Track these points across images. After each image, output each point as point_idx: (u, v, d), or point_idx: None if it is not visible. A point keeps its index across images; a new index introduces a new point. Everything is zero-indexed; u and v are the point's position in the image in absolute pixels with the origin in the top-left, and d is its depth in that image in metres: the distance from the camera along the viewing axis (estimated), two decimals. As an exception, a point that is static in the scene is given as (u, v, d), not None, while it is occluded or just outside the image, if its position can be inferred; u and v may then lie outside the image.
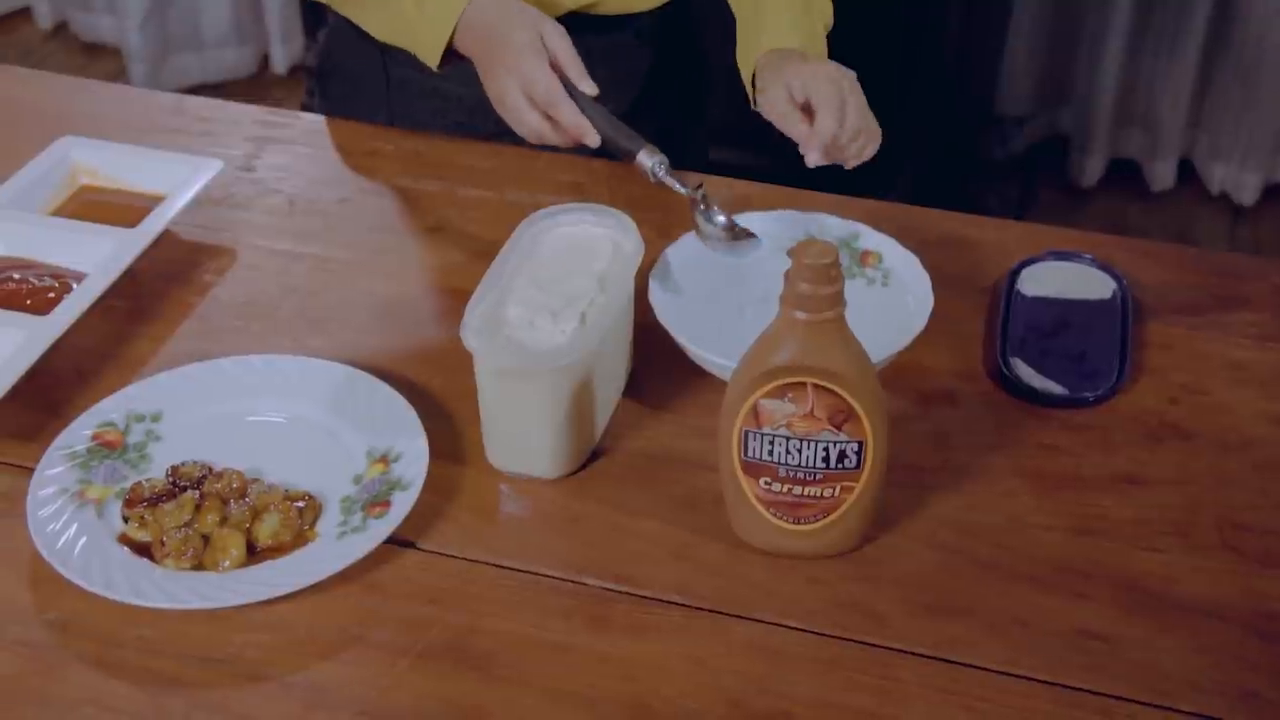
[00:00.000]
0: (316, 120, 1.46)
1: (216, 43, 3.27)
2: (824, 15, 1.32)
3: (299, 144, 1.42)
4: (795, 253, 0.89)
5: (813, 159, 1.18)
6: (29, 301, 1.15)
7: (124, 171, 1.31)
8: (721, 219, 1.16)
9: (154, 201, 1.26)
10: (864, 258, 1.19)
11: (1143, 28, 2.81)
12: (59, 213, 1.27)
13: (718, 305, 1.16)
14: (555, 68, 1.19)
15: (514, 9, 1.22)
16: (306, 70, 3.16)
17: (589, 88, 1.19)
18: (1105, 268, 1.23)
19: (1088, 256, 1.24)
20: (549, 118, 1.20)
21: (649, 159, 1.19)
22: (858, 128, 1.18)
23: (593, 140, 1.19)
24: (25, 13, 3.46)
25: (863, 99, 1.20)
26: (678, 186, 1.18)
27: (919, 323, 1.10)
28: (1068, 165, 2.97)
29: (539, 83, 1.18)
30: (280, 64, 3.30)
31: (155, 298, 1.21)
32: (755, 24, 1.29)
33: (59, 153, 1.30)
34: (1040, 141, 3.00)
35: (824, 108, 1.18)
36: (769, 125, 1.25)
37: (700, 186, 1.18)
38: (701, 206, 1.17)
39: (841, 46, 1.33)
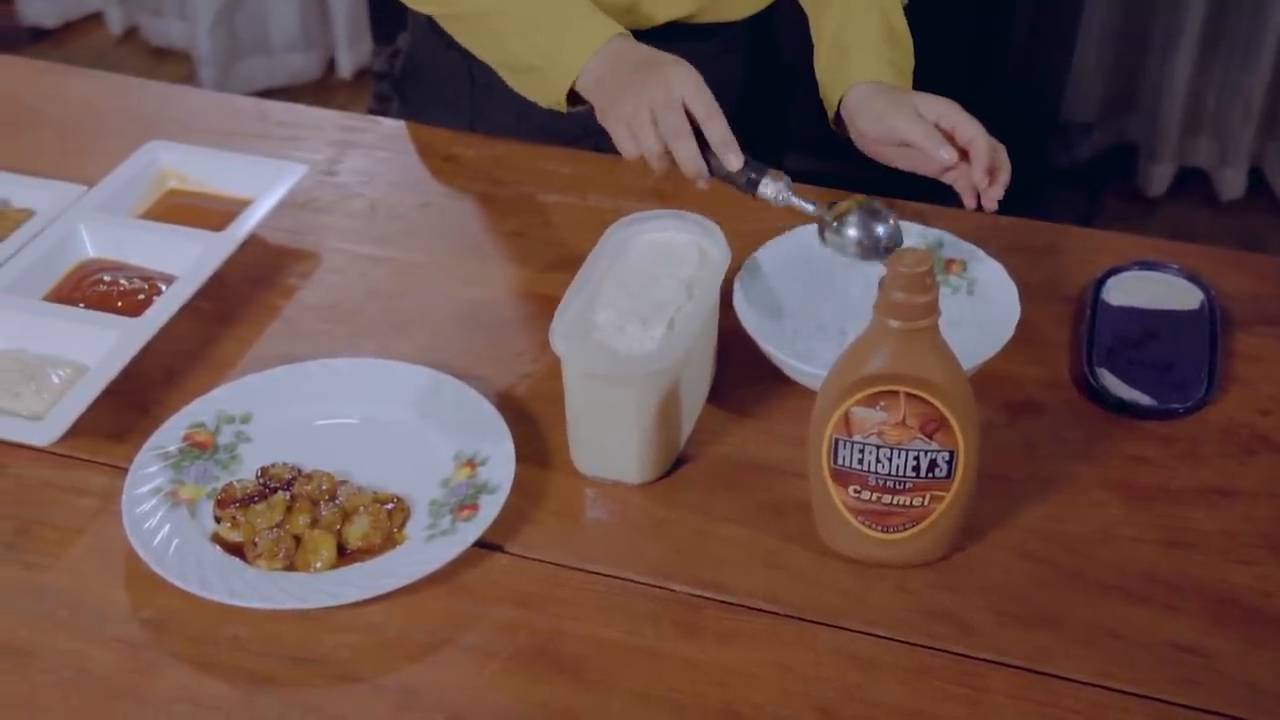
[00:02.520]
0: (397, 125, 1.47)
1: (284, 47, 3.30)
2: (907, 48, 1.29)
3: (380, 148, 1.43)
4: (891, 260, 0.88)
5: (980, 176, 1.15)
6: (120, 304, 1.17)
7: (210, 175, 1.32)
8: (853, 233, 1.14)
9: (239, 205, 1.27)
10: (949, 266, 1.18)
11: (1215, 34, 2.78)
12: (147, 216, 1.29)
13: (803, 312, 1.16)
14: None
15: (645, 53, 1.19)
16: (375, 75, 3.18)
17: (716, 128, 1.14)
18: (1192, 278, 1.22)
19: (1174, 266, 1.23)
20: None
21: (772, 187, 1.14)
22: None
23: (703, 184, 1.16)
24: (97, 18, 3.52)
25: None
26: (805, 207, 1.15)
27: (1005, 331, 1.09)
28: (1135, 173, 2.94)
29: (668, 116, 1.14)
30: (346, 69, 3.33)
31: (242, 300, 1.23)
32: (839, 52, 1.25)
33: (147, 157, 1.32)
34: (1108, 149, 2.97)
35: (970, 127, 1.15)
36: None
37: (833, 205, 1.15)
38: (834, 224, 1.15)
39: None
